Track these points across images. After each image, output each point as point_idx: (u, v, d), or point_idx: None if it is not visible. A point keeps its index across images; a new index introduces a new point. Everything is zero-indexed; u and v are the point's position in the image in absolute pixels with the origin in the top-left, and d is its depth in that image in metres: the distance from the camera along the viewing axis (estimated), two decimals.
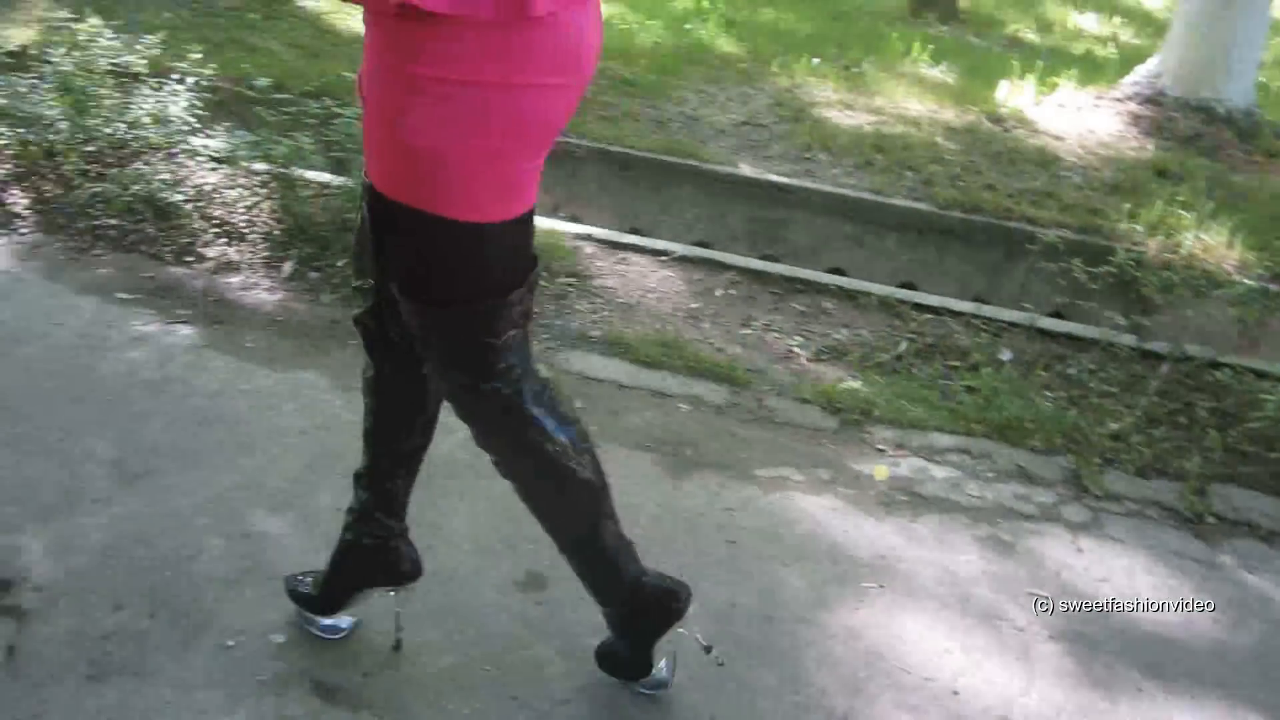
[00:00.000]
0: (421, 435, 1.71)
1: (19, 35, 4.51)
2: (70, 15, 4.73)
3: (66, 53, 3.56)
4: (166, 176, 3.31)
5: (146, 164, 3.45)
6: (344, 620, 1.82)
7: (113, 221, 3.17)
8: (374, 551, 1.74)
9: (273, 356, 2.67)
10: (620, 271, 3.46)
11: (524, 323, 1.50)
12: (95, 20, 3.86)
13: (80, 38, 3.60)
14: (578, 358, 2.88)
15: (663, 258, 3.57)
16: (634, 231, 3.95)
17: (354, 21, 5.52)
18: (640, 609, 1.68)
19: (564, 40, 1.33)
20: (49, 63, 3.53)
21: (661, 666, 1.75)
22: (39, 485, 2.08)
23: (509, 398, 1.50)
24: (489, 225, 1.38)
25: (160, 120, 3.43)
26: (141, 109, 3.46)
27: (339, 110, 3.35)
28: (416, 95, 1.28)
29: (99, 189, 3.26)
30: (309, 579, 1.82)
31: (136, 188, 3.20)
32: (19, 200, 3.25)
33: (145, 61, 3.58)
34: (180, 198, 3.24)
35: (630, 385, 2.80)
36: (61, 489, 2.08)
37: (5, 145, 3.38)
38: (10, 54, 3.83)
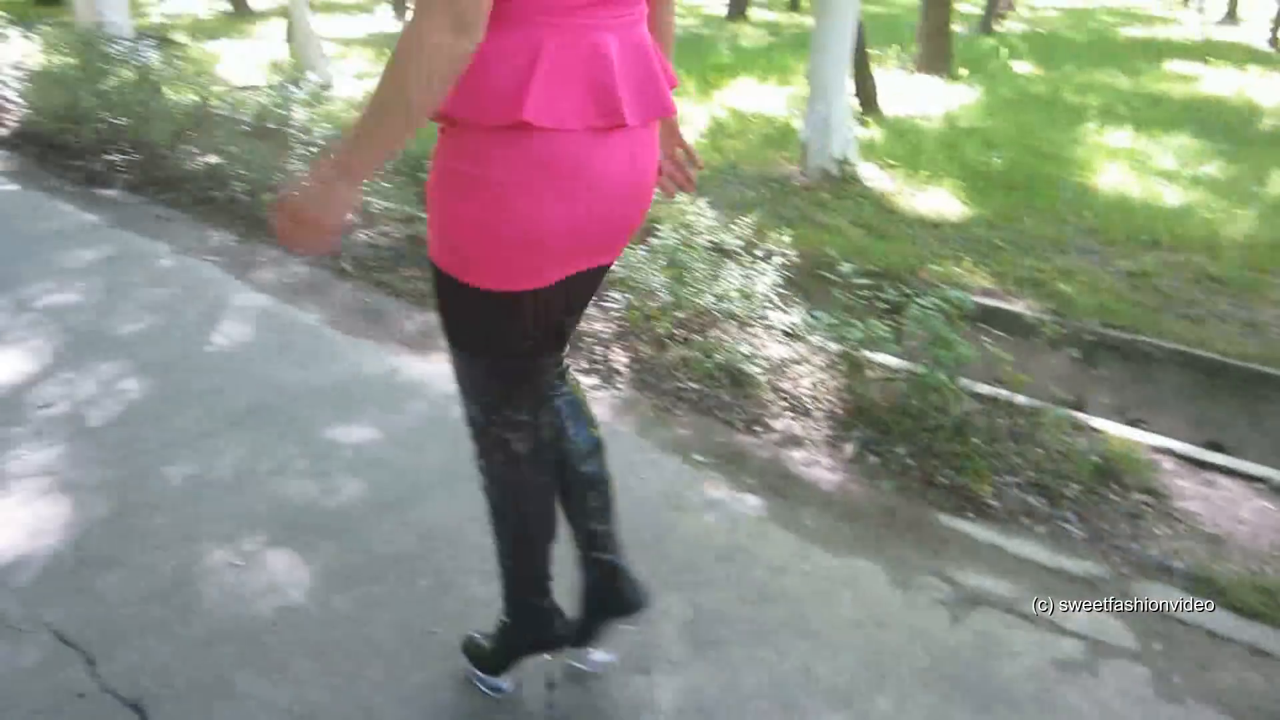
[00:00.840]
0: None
1: None
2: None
3: (674, 229, 4.01)
4: (745, 348, 3.54)
5: (725, 333, 3.74)
6: None
7: (694, 385, 3.45)
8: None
9: (831, 539, 2.69)
10: (1205, 495, 3.08)
11: (533, 381, 1.80)
12: (688, 200, 4.34)
13: (687, 217, 4.02)
14: (1157, 591, 2.58)
15: (1259, 484, 3.13)
16: (1216, 447, 3.52)
17: (916, 202, 5.67)
18: (524, 625, 2.03)
19: (564, 154, 1.50)
20: (658, 236, 3.99)
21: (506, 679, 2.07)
22: (622, 636, 2.23)
23: (507, 442, 1.82)
24: (496, 293, 1.62)
25: (746, 295, 3.70)
26: (730, 282, 3.77)
27: (912, 297, 3.38)
28: (443, 182, 1.58)
29: (685, 353, 3.58)
30: None
31: (718, 357, 3.46)
32: (619, 358, 3.66)
33: (740, 241, 3.90)
34: (755, 369, 3.45)
35: (1221, 635, 2.44)
36: (641, 643, 2.22)
37: (617, 308, 3.84)
38: None
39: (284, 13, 13.40)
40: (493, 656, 2.08)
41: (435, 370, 3.56)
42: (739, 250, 3.90)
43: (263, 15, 15.93)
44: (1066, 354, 4.11)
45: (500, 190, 1.52)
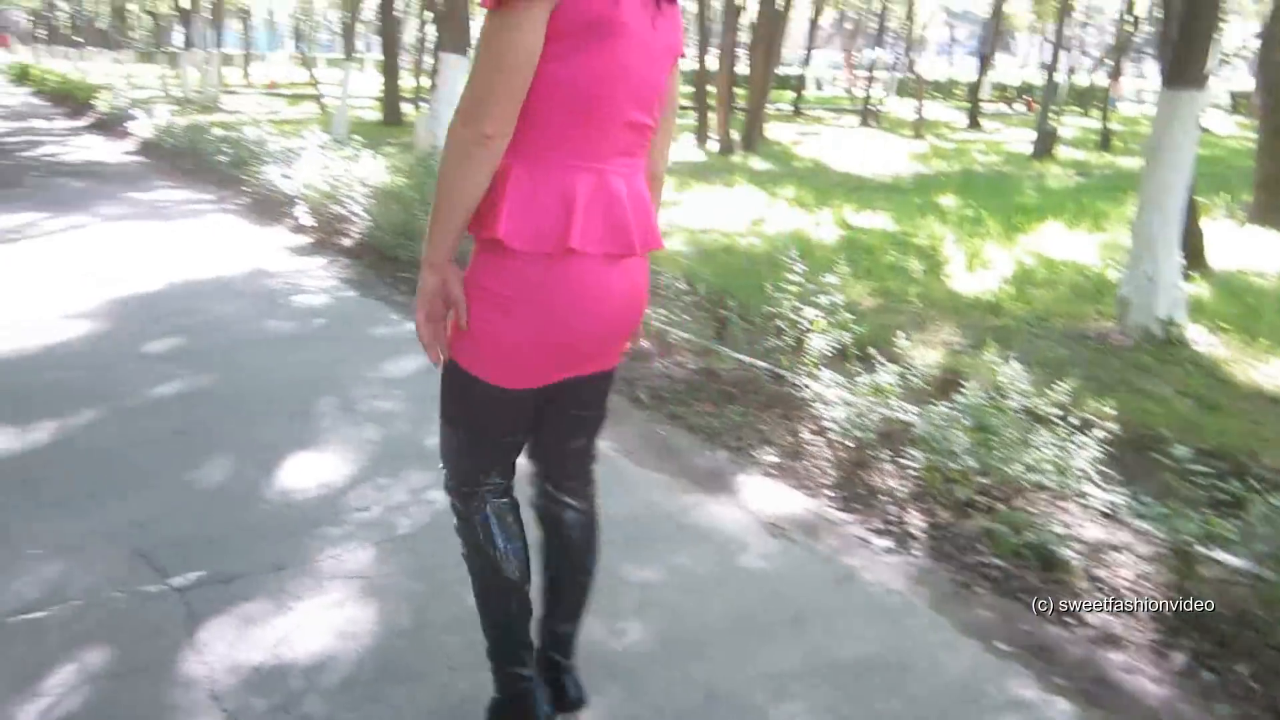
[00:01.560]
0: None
1: (928, 355, 5.01)
2: (969, 343, 5.16)
3: (981, 387, 3.81)
4: (1058, 527, 3.27)
5: (1035, 506, 3.48)
6: None
7: (997, 561, 3.21)
8: None
9: None
10: None
11: (502, 461, 2.09)
12: (995, 354, 4.13)
13: (999, 379, 3.82)
14: None
15: None
16: None
17: (1256, 374, 5.13)
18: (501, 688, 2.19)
19: (590, 275, 1.85)
20: (963, 394, 3.80)
21: None
22: None
23: (472, 505, 2.09)
24: (484, 383, 1.94)
25: (1060, 469, 3.44)
26: (1042, 452, 3.51)
27: (1261, 493, 3.01)
28: (473, 295, 1.88)
29: (988, 525, 3.35)
30: None
31: (1028, 534, 3.21)
32: (916, 520, 3.48)
33: (1054, 408, 3.65)
34: (1069, 552, 3.17)
35: None
36: None
37: (914, 466, 3.67)
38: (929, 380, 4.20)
39: None
40: None
41: (725, 513, 3.52)
42: (1053, 418, 3.63)
43: None
44: None
45: (532, 305, 1.85)
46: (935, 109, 31.57)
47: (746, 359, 4.77)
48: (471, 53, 8.21)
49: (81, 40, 50.05)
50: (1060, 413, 3.63)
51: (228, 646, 2.60)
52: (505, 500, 2.12)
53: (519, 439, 2.11)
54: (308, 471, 3.70)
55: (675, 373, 4.87)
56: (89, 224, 8.59)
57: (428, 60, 24.17)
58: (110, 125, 17.53)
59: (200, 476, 3.63)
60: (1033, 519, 3.32)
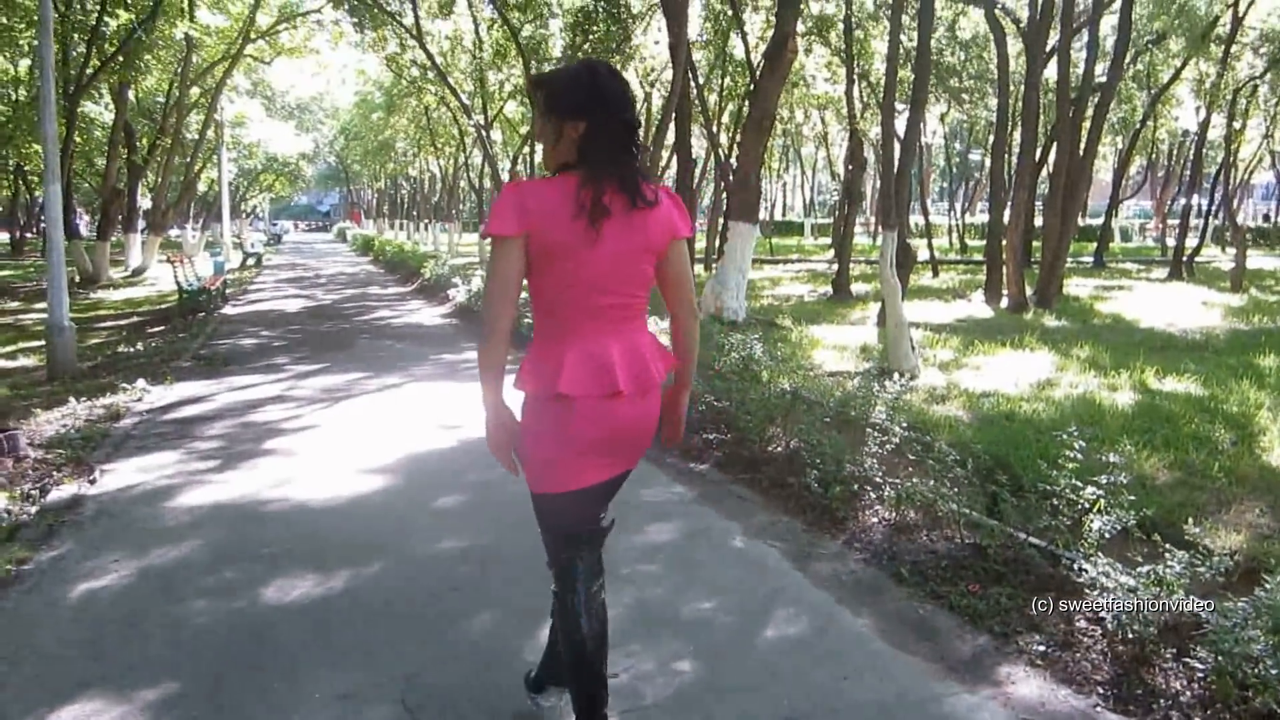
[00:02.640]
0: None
1: (1228, 539, 4.54)
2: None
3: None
4: None
5: None
6: None
7: None
8: None
9: None
10: None
11: (581, 552, 2.86)
12: None
13: None
14: None
15: None
16: None
17: None
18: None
19: (589, 409, 2.64)
20: (1264, 588, 3.41)
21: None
22: None
23: (562, 583, 2.87)
24: (540, 493, 2.78)
25: None
26: None
27: None
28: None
29: None
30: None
31: None
32: None
33: None
34: None
35: None
36: None
37: (1200, 670, 3.31)
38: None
39: (880, 296, 14.28)
40: None
41: (980, 704, 3.31)
42: None
43: (862, 300, 17.08)
44: None
45: (550, 432, 2.68)
46: (1258, 259, 29.14)
47: (1019, 536, 4.52)
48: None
49: (417, 214, 56.24)
50: None
51: None
52: (598, 582, 2.90)
53: (584, 530, 2.86)
54: None
55: (940, 547, 4.69)
56: (402, 384, 9.54)
57: (720, 222, 25.22)
58: (433, 291, 19.48)
59: (468, 633, 3.87)
60: None
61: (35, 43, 20.73)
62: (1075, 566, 4.11)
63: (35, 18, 18.57)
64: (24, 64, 24.71)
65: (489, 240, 2.59)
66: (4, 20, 19.38)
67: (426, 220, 51.06)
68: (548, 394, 2.62)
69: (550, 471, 2.70)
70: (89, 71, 20.68)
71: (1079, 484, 4.34)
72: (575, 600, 2.81)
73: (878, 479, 5.24)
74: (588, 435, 2.66)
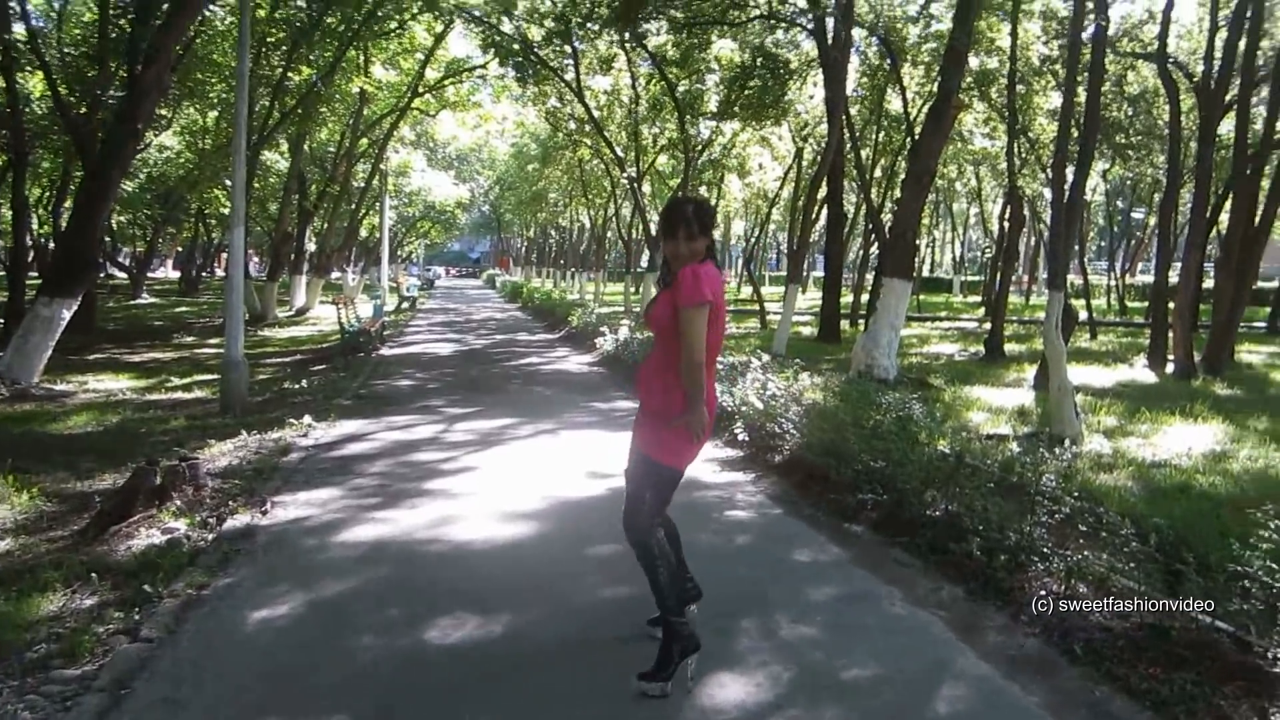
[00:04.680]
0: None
1: None
2: None
3: None
4: None
5: None
6: None
7: None
8: None
9: None
10: None
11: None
12: None
13: None
14: None
15: None
16: None
17: None
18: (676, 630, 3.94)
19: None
20: None
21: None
22: None
23: (653, 532, 4.02)
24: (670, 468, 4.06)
25: None
26: None
27: None
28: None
29: None
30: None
31: None
32: None
33: None
34: None
35: None
36: None
37: None
38: None
39: (1036, 358, 13.73)
40: (659, 669, 3.85)
41: None
42: None
43: (1016, 361, 16.53)
44: None
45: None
46: None
47: (1206, 619, 4.24)
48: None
49: (564, 263, 57.43)
50: None
51: None
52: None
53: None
54: (725, 694, 3.80)
55: (1117, 626, 4.44)
56: (554, 429, 9.69)
57: (867, 277, 24.94)
58: (580, 339, 19.79)
59: (628, 684, 3.84)
60: None
61: (224, 95, 22.47)
62: (1270, 655, 3.84)
63: (227, 72, 20.18)
64: (211, 115, 26.48)
65: (695, 307, 3.77)
66: (200, 75, 20.78)
67: (573, 269, 52.10)
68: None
69: (686, 455, 4.02)
70: (270, 122, 22.01)
71: (1275, 566, 4.06)
72: (662, 536, 4.05)
73: (1045, 549, 5.01)
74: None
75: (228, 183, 20.77)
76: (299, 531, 5.88)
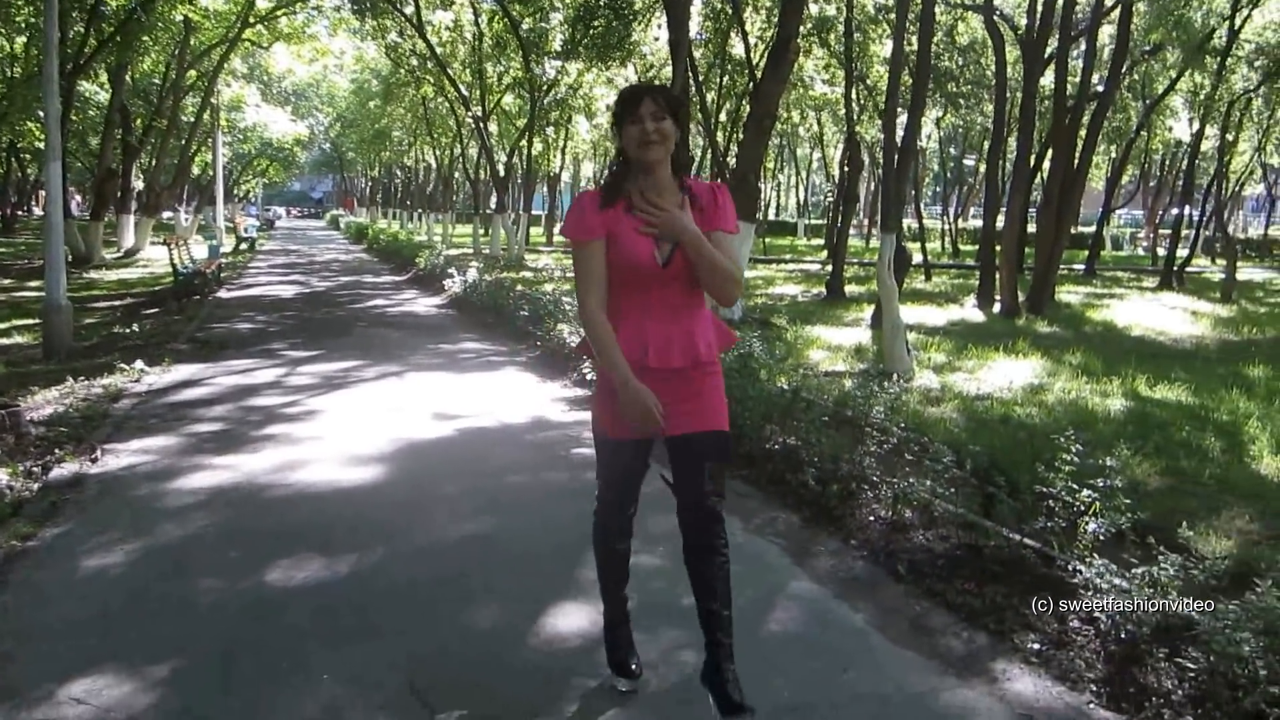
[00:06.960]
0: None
1: (1219, 544, 4.62)
2: (1271, 533, 4.71)
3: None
4: None
5: None
6: None
7: None
8: None
9: None
10: None
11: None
12: None
13: None
14: None
15: None
16: None
17: None
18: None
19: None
20: (1255, 592, 3.49)
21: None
22: None
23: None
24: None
25: None
26: None
27: None
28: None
29: None
30: None
31: None
32: None
33: None
34: None
35: None
36: None
37: (1195, 669, 3.39)
38: None
39: (875, 299, 14.34)
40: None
41: (978, 701, 3.38)
42: None
43: (856, 302, 17.17)
44: None
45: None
46: (1248, 271, 29.35)
47: (1015, 537, 4.59)
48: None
49: (410, 204, 56.17)
50: None
51: None
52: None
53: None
54: (569, 622, 3.91)
55: (937, 547, 4.76)
56: (401, 371, 9.58)
57: None
58: (428, 281, 19.50)
59: (474, 619, 3.92)
60: None
61: (33, 20, 20.85)
62: (1070, 568, 4.19)
63: None
64: (19, 41, 24.62)
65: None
66: None
67: (420, 210, 51.01)
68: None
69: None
70: (87, 51, 20.62)
71: (1075, 487, 4.42)
72: (623, 547, 3.66)
73: (875, 478, 5.31)
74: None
75: (41, 114, 19.45)
76: (133, 479, 5.68)
